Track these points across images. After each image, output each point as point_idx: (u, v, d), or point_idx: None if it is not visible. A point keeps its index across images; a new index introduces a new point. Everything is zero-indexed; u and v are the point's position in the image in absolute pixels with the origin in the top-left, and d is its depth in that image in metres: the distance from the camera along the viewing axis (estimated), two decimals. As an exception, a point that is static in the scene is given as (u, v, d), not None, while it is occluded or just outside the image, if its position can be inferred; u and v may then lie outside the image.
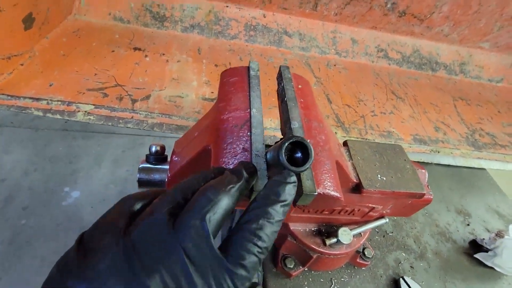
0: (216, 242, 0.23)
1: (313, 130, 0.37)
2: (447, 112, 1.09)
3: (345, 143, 0.51)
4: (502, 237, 0.67)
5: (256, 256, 0.22)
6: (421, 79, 1.24)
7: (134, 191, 0.28)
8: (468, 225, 0.76)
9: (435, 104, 1.11)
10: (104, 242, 0.21)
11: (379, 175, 0.46)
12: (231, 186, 0.25)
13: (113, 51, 0.93)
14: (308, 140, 0.36)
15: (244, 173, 0.27)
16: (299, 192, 0.30)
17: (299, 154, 0.28)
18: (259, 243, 0.23)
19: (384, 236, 0.69)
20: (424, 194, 0.47)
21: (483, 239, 0.70)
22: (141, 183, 0.44)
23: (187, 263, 0.20)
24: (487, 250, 0.69)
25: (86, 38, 0.94)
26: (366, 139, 0.88)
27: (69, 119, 0.69)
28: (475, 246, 0.71)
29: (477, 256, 0.68)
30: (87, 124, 2.18)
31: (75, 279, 0.20)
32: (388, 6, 1.10)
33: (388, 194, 0.45)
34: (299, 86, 0.44)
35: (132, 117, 0.73)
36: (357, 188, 0.45)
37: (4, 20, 0.72)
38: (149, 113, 0.75)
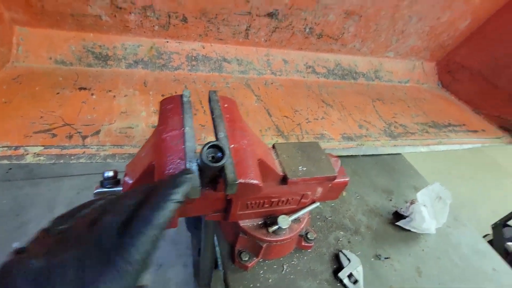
0: None
1: (237, 137, 0.47)
2: (368, 112, 1.30)
3: (273, 146, 0.63)
4: (414, 203, 0.84)
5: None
6: (345, 87, 1.46)
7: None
8: (391, 200, 0.92)
9: (358, 107, 1.31)
10: None
11: (300, 167, 0.58)
12: (164, 203, 0.31)
13: (58, 93, 0.96)
14: (232, 145, 0.47)
15: (175, 189, 0.32)
16: (226, 183, 0.39)
17: (220, 154, 0.38)
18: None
19: (324, 220, 0.81)
20: (336, 177, 0.59)
21: (401, 208, 0.86)
22: (98, 205, 0.50)
23: None
24: (405, 217, 0.84)
25: (28, 84, 0.96)
26: (303, 142, 1.02)
27: (18, 162, 0.71)
28: (397, 216, 0.86)
29: (398, 223, 0.83)
30: (32, 171, 2.04)
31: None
32: (306, 31, 1.31)
33: (309, 180, 0.57)
34: (225, 105, 0.54)
35: (83, 152, 0.77)
36: (284, 179, 0.56)
37: None
38: (100, 146, 0.80)
